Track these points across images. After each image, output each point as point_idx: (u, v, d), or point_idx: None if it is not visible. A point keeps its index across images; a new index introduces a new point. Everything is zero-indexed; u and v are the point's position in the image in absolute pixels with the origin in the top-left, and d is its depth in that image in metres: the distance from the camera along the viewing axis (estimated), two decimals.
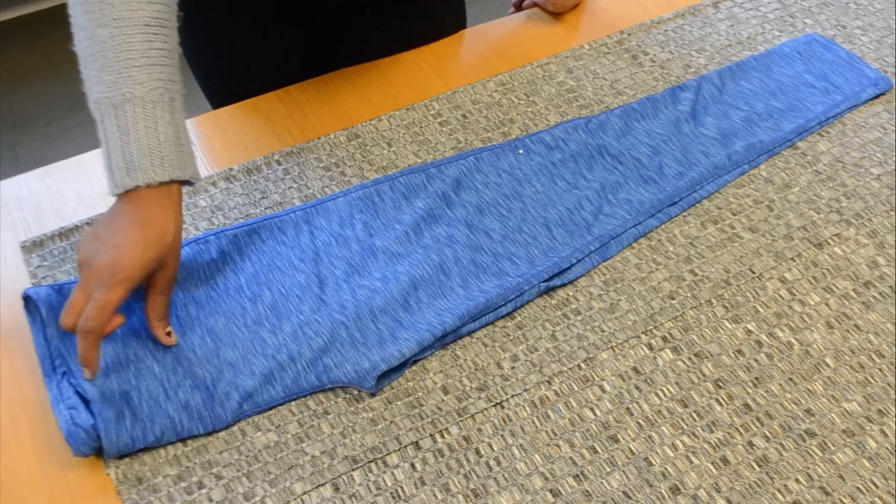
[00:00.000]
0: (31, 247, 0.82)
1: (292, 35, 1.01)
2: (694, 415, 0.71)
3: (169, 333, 0.71)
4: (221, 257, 0.79)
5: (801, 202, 0.87)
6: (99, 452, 0.68)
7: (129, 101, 0.65)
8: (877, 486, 0.67)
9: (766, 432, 0.70)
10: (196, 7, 0.96)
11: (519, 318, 0.78)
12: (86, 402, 0.68)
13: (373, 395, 0.72)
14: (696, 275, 0.81)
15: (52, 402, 0.68)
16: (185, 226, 0.84)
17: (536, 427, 0.70)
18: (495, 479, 0.67)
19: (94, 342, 0.66)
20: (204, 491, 0.67)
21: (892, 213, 0.86)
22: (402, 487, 0.67)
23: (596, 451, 0.69)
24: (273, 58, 1.02)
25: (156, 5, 0.67)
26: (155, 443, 0.68)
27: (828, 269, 0.81)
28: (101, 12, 0.65)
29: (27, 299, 0.73)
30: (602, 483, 0.67)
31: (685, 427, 0.70)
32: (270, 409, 0.71)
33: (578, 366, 0.74)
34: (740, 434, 0.70)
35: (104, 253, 0.66)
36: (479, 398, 0.72)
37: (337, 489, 0.67)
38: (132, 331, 0.73)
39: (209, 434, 0.70)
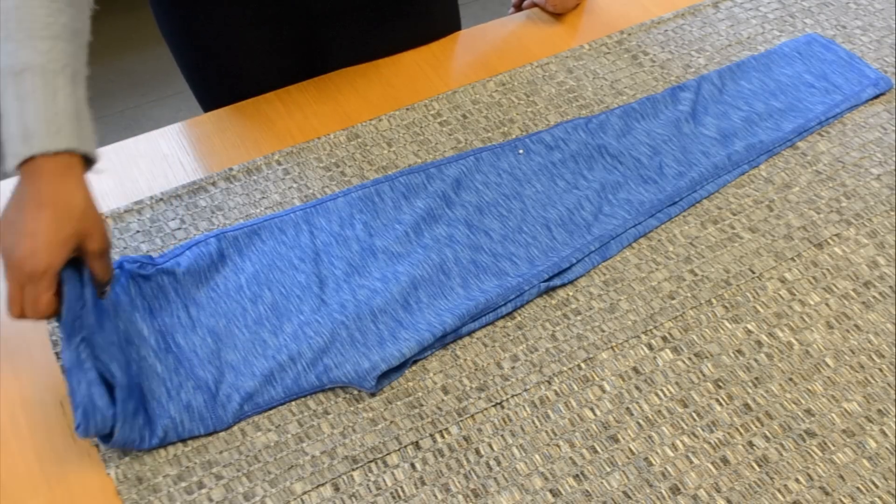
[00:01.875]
0: None
1: (288, 35, 1.01)
2: (694, 415, 0.71)
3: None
4: (221, 258, 0.79)
5: (801, 202, 0.87)
6: (97, 439, 0.68)
7: (28, 69, 0.64)
8: (877, 486, 0.67)
9: (766, 432, 0.70)
10: (193, 8, 0.96)
11: (519, 318, 0.78)
12: (107, 386, 0.67)
13: (373, 395, 0.72)
14: (696, 275, 0.81)
15: (68, 365, 0.66)
16: (184, 226, 0.84)
17: (536, 427, 0.70)
18: (495, 479, 0.67)
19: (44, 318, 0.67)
20: (204, 491, 0.67)
21: (892, 213, 0.86)
22: (402, 487, 0.67)
23: (596, 451, 0.69)
24: (270, 58, 1.02)
25: None
26: (158, 444, 0.68)
27: (828, 269, 0.81)
28: None
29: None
30: (602, 483, 0.67)
31: (685, 427, 0.70)
32: (270, 409, 0.71)
33: (578, 366, 0.74)
34: (740, 434, 0.70)
35: (19, 243, 0.64)
36: (479, 398, 0.72)
37: (337, 489, 0.67)
38: (135, 328, 0.73)
39: (209, 434, 0.70)
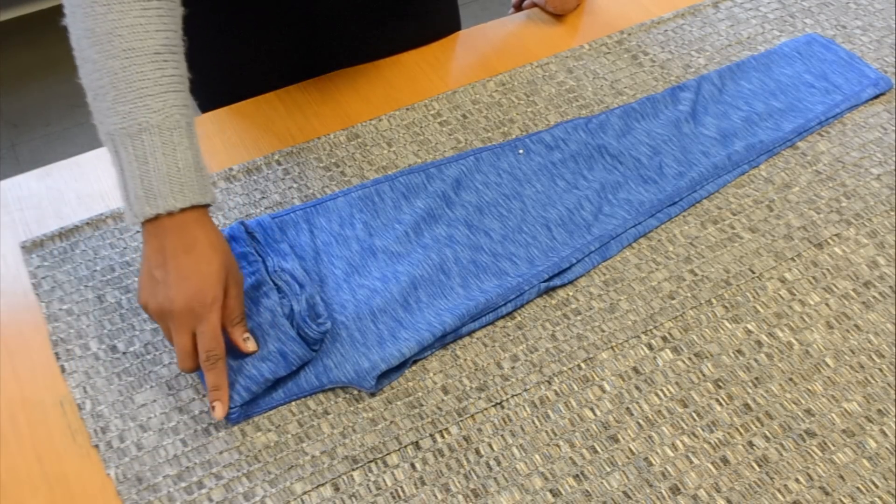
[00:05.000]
0: (31, 247, 0.82)
1: (288, 35, 1.00)
2: (694, 415, 0.71)
3: (246, 339, 0.71)
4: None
5: (801, 202, 0.87)
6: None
7: (145, 130, 0.65)
8: (877, 486, 0.67)
9: (766, 432, 0.70)
10: (192, 9, 0.96)
11: (519, 318, 0.78)
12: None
13: (373, 395, 0.72)
14: (696, 275, 0.81)
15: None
16: None
17: (536, 427, 0.70)
18: (495, 479, 0.67)
19: (222, 369, 0.68)
20: (204, 491, 0.67)
21: (892, 213, 0.86)
22: (402, 487, 0.67)
23: (596, 451, 0.69)
24: (270, 58, 1.02)
25: (164, 33, 0.66)
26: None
27: (828, 269, 0.81)
28: (111, 44, 0.64)
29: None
30: (602, 483, 0.67)
31: (685, 427, 0.70)
32: (270, 409, 0.71)
33: (578, 366, 0.74)
34: (740, 434, 0.70)
35: (177, 293, 0.66)
36: (479, 398, 0.72)
37: (337, 489, 0.67)
38: None
39: (210, 435, 0.70)
